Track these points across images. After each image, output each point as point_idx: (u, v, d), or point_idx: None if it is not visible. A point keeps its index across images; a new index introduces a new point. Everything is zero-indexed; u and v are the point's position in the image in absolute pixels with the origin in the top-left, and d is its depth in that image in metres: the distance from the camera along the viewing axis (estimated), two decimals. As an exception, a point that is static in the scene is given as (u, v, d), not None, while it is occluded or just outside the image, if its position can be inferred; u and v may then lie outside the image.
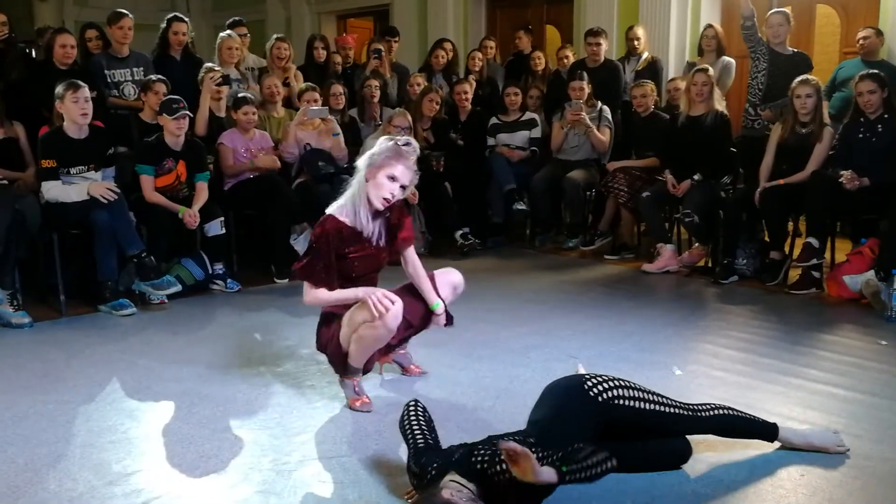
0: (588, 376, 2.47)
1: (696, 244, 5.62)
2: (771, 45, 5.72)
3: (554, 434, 2.33)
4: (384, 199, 3.07)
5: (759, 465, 2.68)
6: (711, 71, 5.58)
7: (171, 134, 4.92)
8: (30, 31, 6.20)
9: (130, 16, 5.70)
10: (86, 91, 4.60)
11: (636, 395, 2.44)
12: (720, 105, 5.52)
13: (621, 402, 2.40)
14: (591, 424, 2.38)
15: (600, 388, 2.41)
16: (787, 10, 5.89)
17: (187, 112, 4.91)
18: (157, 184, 4.94)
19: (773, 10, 5.87)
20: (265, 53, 6.57)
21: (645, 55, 6.68)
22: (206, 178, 5.16)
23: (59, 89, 4.58)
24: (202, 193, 5.07)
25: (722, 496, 2.49)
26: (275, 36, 6.61)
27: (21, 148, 4.97)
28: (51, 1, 11.33)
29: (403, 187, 3.10)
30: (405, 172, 3.08)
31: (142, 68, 5.74)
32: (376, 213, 3.15)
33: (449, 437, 2.91)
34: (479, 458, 2.24)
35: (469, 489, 2.17)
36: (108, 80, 5.65)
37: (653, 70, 6.62)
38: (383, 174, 3.05)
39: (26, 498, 2.51)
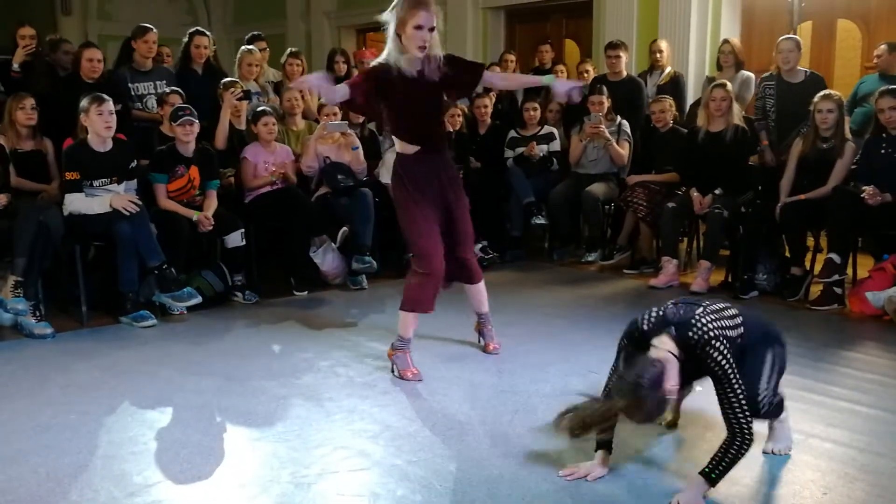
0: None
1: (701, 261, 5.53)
2: (781, 72, 5.71)
3: None
4: (420, 46, 3.41)
5: (780, 483, 2.66)
6: (730, 86, 5.57)
7: (179, 141, 5.01)
8: (55, 45, 6.29)
9: (155, 30, 5.77)
10: (110, 104, 4.66)
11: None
12: (739, 119, 5.50)
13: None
14: None
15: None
16: (797, 36, 5.91)
17: (192, 118, 4.97)
18: (170, 188, 5.01)
19: (783, 37, 5.86)
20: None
21: (668, 70, 6.68)
22: (216, 185, 5.21)
23: (83, 102, 4.64)
24: (212, 200, 5.13)
25: (743, 514, 2.47)
26: (288, 51, 6.64)
27: (48, 162, 5.04)
28: (75, 15, 11.51)
29: (432, 29, 3.41)
30: (428, 17, 3.39)
31: (165, 81, 5.81)
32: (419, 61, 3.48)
33: (467, 451, 2.92)
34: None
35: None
36: (132, 94, 5.72)
37: (675, 85, 6.62)
38: (410, 26, 3.37)
39: (49, 508, 2.53)
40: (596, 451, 2.71)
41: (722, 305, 2.58)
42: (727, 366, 2.44)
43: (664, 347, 2.45)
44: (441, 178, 3.69)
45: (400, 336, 3.77)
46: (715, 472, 2.44)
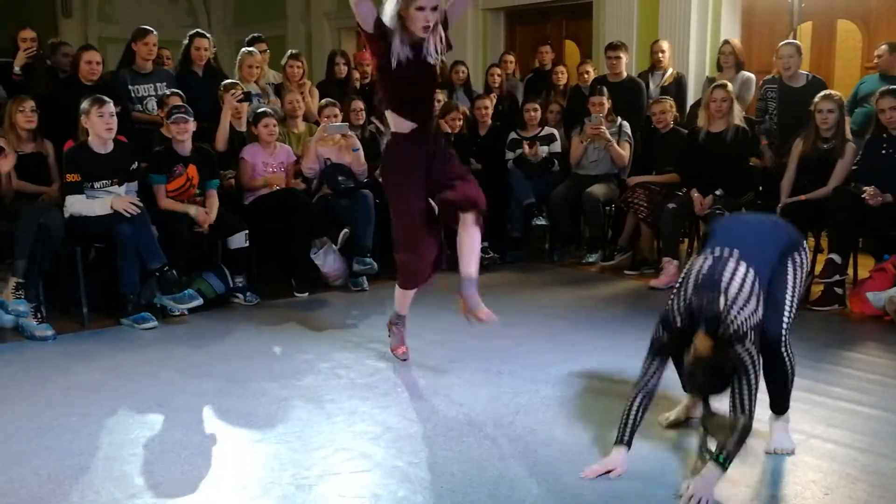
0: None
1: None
2: (782, 77, 5.71)
3: None
4: (423, 27, 3.41)
5: (782, 483, 2.66)
6: (730, 87, 5.58)
7: (175, 140, 5.00)
8: (55, 48, 6.30)
9: (155, 32, 5.77)
10: (111, 106, 4.67)
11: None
12: (740, 120, 5.50)
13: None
14: None
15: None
16: (797, 41, 5.91)
17: (186, 116, 4.97)
18: (169, 187, 5.01)
19: (783, 43, 5.87)
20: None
21: (670, 70, 6.69)
22: (216, 185, 5.21)
23: (84, 104, 4.65)
24: (213, 200, 5.13)
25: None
26: (288, 53, 6.64)
27: (48, 164, 5.04)
28: (75, 17, 11.52)
29: (434, 8, 3.40)
30: None
31: (165, 83, 5.81)
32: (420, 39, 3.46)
33: (468, 452, 2.92)
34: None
35: None
36: (133, 96, 5.72)
37: (678, 86, 6.62)
38: (412, 8, 3.38)
39: (50, 510, 2.54)
40: (616, 445, 2.72)
41: (740, 279, 2.54)
42: (749, 363, 2.52)
43: (705, 344, 2.51)
44: (430, 158, 3.67)
45: (396, 311, 3.94)
46: (721, 455, 2.50)
